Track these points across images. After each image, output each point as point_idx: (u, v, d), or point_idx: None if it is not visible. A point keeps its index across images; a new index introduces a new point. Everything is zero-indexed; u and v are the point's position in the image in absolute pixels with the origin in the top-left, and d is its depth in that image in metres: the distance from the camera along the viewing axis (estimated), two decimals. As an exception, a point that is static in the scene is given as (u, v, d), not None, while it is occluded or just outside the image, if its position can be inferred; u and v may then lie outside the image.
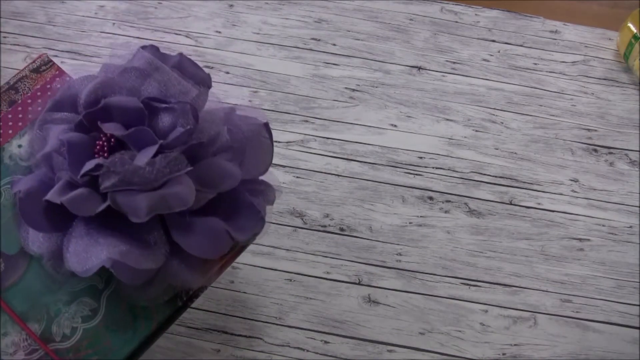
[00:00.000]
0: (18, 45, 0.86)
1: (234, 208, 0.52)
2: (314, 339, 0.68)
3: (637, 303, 0.72)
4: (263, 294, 0.70)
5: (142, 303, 0.51)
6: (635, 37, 0.88)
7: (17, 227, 0.52)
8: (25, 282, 0.52)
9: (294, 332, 0.68)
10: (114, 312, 0.52)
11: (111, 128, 0.49)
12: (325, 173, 0.79)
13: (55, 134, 0.51)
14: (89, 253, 0.47)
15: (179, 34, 0.89)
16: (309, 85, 0.86)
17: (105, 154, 0.50)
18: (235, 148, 0.53)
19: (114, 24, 0.90)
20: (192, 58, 0.58)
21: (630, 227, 0.77)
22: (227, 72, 0.86)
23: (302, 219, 0.75)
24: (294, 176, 0.78)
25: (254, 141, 0.54)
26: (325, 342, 0.68)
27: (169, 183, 0.48)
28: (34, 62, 0.60)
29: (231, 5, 0.93)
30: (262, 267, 0.72)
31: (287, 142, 0.81)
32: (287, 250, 0.73)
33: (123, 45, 0.57)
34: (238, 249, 0.54)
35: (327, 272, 0.72)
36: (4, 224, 0.53)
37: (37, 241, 0.50)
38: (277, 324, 0.68)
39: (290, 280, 0.71)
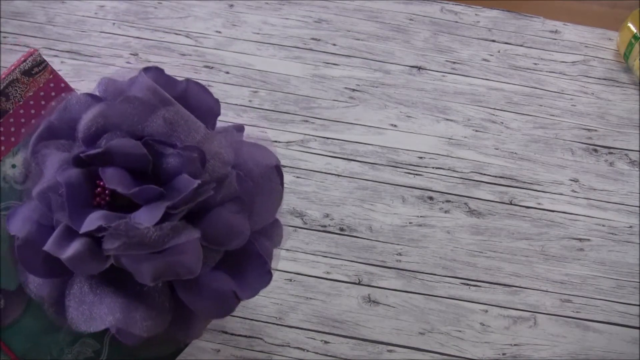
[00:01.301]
0: (18, 45, 0.86)
1: (239, 258, 0.49)
2: (314, 339, 0.68)
3: (637, 303, 0.72)
4: (263, 294, 0.70)
5: (147, 357, 0.50)
6: (635, 37, 0.88)
7: (15, 265, 0.49)
8: (25, 321, 0.50)
9: (294, 332, 0.68)
10: (117, 355, 0.50)
11: (114, 182, 0.46)
12: (325, 173, 0.79)
13: (51, 167, 0.48)
14: (93, 314, 0.46)
15: (179, 34, 0.89)
16: (309, 85, 0.86)
17: (107, 198, 0.47)
18: (243, 199, 0.49)
19: (114, 24, 0.90)
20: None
21: (630, 227, 0.77)
22: (227, 72, 0.86)
23: (302, 219, 0.75)
24: (294, 176, 0.78)
25: (264, 188, 0.51)
26: (325, 342, 0.68)
27: (175, 248, 0.45)
28: (25, 61, 0.53)
29: (231, 5, 0.93)
30: (262, 267, 0.72)
31: (287, 142, 0.81)
32: (287, 250, 0.73)
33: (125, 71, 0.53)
34: None
35: (327, 272, 0.72)
36: (2, 257, 0.50)
37: (36, 282, 0.48)
38: (277, 324, 0.68)
39: (290, 280, 0.71)
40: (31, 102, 0.52)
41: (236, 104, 0.83)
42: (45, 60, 0.54)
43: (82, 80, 0.84)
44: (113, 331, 0.45)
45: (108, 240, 0.45)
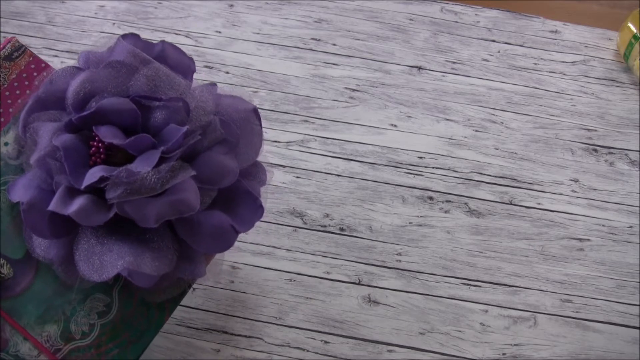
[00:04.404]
0: (18, 45, 0.86)
1: (231, 197, 0.52)
2: (314, 339, 0.68)
3: (637, 303, 0.72)
4: (263, 294, 0.70)
5: (157, 301, 0.53)
6: (635, 37, 0.88)
7: (20, 232, 0.51)
8: (37, 286, 0.52)
9: (294, 332, 0.68)
10: (128, 305, 0.53)
11: (109, 136, 0.49)
12: (325, 173, 0.79)
13: (45, 136, 0.50)
14: (103, 262, 0.48)
15: (179, 34, 0.89)
16: (309, 85, 0.86)
17: (102, 156, 0.50)
18: (229, 140, 0.53)
19: (114, 24, 0.90)
20: (193, 58, 0.58)
21: (630, 227, 0.77)
22: (227, 72, 0.86)
23: (302, 219, 0.75)
24: (294, 176, 0.78)
25: (245, 129, 0.55)
26: (325, 342, 0.68)
27: (173, 188, 0.48)
28: (4, 48, 0.56)
29: (231, 5, 0.93)
30: (262, 267, 0.72)
31: (287, 142, 0.81)
32: (287, 250, 0.73)
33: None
34: None
35: (327, 272, 0.72)
36: (4, 230, 0.52)
37: (42, 245, 0.50)
38: (277, 324, 0.68)
39: (290, 280, 0.71)
40: (15, 84, 0.55)
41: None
42: (23, 45, 0.56)
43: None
44: (125, 274, 0.47)
45: (111, 189, 0.47)
